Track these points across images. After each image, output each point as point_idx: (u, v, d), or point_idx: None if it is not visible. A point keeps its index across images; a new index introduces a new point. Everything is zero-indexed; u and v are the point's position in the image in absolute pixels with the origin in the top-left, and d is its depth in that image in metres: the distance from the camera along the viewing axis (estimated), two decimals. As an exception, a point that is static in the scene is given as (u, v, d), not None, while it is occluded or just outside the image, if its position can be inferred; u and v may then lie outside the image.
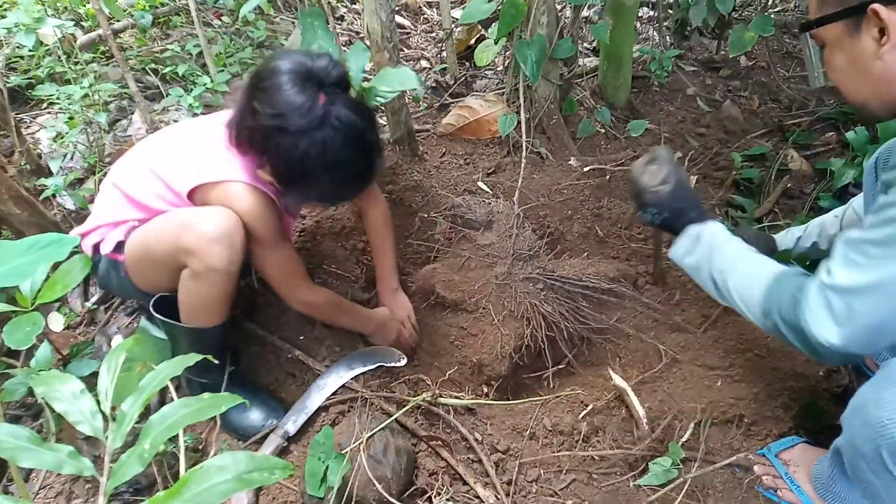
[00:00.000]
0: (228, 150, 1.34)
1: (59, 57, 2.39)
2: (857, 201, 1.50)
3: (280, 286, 1.51)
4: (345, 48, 1.69)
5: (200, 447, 1.52)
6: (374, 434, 1.36)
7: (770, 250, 1.67)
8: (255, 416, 1.50)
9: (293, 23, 3.04)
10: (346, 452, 1.31)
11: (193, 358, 0.82)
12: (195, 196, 1.35)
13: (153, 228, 1.36)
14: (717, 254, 1.24)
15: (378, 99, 1.57)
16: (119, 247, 1.40)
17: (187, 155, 1.40)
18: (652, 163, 1.37)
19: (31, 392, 1.40)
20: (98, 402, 0.77)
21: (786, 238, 1.67)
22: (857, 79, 1.05)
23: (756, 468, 1.38)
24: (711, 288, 1.27)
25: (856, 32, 1.01)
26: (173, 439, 1.46)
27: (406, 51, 3.07)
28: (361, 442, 1.33)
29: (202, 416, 0.73)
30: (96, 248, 1.43)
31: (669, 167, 1.34)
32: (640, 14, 3.18)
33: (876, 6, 0.95)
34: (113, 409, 0.76)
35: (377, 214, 1.74)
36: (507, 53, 2.46)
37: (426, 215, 2.02)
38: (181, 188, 1.35)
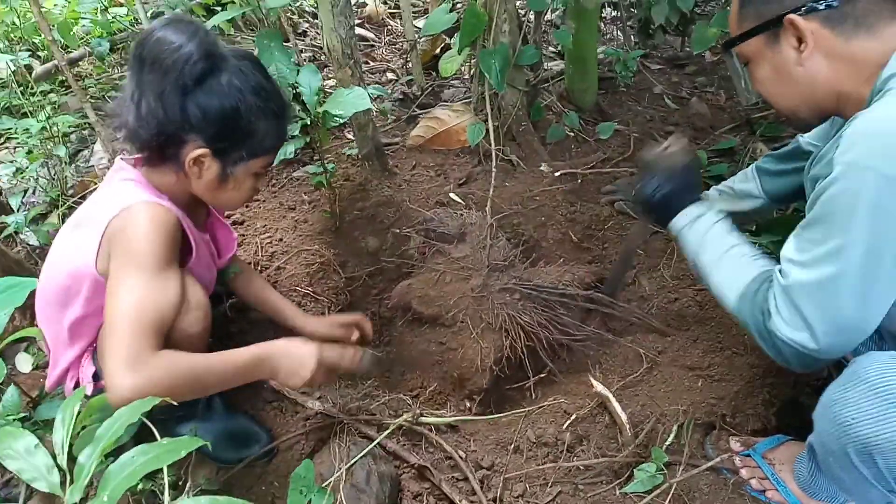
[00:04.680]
0: (116, 189, 1.25)
1: (15, 90, 2.34)
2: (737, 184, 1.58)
3: (114, 331, 1.06)
4: (308, 63, 1.66)
5: (181, 482, 1.48)
6: (355, 463, 1.33)
7: None
8: (235, 444, 1.45)
9: (253, 41, 3.01)
10: (329, 485, 1.28)
11: (152, 402, 0.79)
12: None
13: None
14: (708, 243, 1.25)
15: (335, 120, 1.55)
16: (96, 376, 1.31)
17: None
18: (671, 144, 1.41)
19: None
20: (54, 457, 0.74)
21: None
22: (784, 88, 1.11)
23: (742, 472, 1.37)
24: (696, 272, 1.30)
25: (775, 44, 1.07)
26: (151, 476, 1.43)
27: (371, 63, 3.05)
28: (342, 472, 1.31)
29: (162, 462, 0.70)
30: (77, 385, 1.35)
31: (687, 145, 1.40)
32: (603, 14, 3.19)
33: (791, 17, 1.02)
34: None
35: (250, 273, 1.69)
36: (473, 62, 2.45)
37: (399, 231, 2.00)
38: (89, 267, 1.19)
